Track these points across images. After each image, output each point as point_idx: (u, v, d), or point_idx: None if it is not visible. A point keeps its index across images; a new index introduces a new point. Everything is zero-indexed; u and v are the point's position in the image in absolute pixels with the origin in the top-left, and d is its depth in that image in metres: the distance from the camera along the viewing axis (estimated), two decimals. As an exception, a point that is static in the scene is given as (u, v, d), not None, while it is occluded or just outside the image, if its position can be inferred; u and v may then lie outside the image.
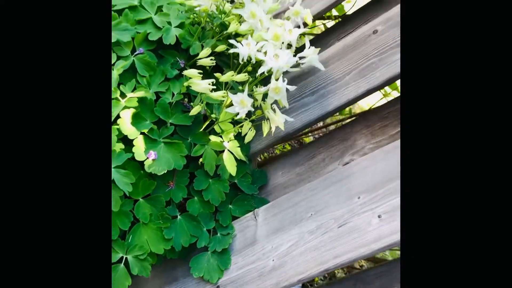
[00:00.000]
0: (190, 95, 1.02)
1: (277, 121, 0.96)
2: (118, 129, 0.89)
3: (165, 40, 0.99)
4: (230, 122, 1.05)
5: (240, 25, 0.96)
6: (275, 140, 1.05)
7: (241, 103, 0.89)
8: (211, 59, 0.99)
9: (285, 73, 0.95)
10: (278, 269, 0.90)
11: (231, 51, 0.92)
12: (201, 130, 1.01)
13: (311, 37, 1.24)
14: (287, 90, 0.91)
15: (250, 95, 0.94)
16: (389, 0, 1.12)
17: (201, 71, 0.96)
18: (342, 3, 1.22)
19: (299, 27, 1.08)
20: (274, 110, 0.97)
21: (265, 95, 0.95)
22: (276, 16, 1.19)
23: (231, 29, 0.96)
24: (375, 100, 1.60)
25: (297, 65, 0.96)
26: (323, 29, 1.47)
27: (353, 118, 1.18)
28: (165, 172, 0.91)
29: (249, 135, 0.99)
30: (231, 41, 0.93)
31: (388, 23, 0.94)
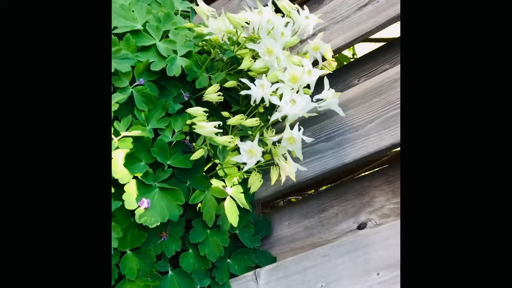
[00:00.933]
0: (193, 133, 0.91)
1: (287, 171, 0.85)
2: (108, 172, 0.78)
3: (169, 72, 0.88)
4: (235, 165, 0.94)
5: (254, 61, 0.85)
6: (284, 189, 0.94)
7: (249, 153, 0.79)
8: (219, 95, 0.88)
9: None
10: None
11: (243, 92, 0.81)
12: (202, 173, 0.90)
13: (326, 72, 1.13)
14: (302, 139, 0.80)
15: (260, 140, 0.83)
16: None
17: (207, 109, 0.86)
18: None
19: (317, 62, 0.98)
20: (285, 158, 0.86)
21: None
22: (292, 47, 1.08)
23: (244, 66, 0.85)
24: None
25: (314, 110, 0.85)
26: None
27: (373, 170, 1.07)
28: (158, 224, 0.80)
29: (256, 185, 0.88)
30: (244, 80, 0.82)
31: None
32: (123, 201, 0.78)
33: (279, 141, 0.83)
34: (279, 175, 0.87)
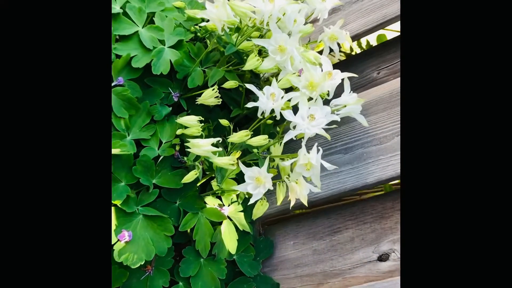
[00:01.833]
0: (184, 143, 0.75)
1: (298, 193, 0.70)
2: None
3: (155, 69, 0.71)
4: (234, 179, 0.79)
5: (262, 60, 0.68)
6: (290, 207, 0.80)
7: (256, 181, 0.64)
8: (216, 97, 0.72)
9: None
10: None
11: (249, 105, 0.64)
12: (195, 191, 0.75)
13: (337, 60, 0.95)
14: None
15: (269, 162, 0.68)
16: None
17: (201, 118, 0.70)
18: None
19: (331, 50, 0.82)
20: (296, 177, 0.71)
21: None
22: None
23: (250, 66, 0.68)
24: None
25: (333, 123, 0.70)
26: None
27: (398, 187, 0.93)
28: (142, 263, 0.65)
29: (260, 211, 0.74)
30: (250, 87, 0.66)
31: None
32: (98, 236, 0.63)
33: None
34: (287, 194, 0.72)
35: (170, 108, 0.75)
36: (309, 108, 0.64)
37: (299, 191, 0.70)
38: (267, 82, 0.75)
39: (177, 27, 0.77)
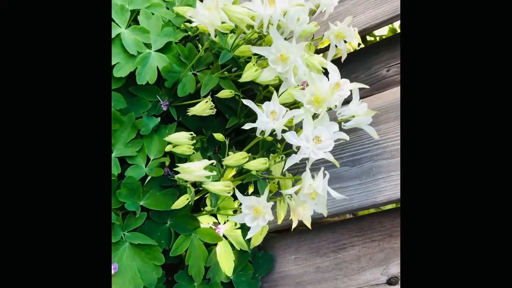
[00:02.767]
0: (174, 157, 0.68)
1: (301, 215, 0.64)
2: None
3: (140, 79, 0.63)
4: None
5: (260, 69, 0.60)
6: (290, 225, 0.73)
7: (254, 212, 0.57)
8: (211, 108, 0.65)
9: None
10: None
11: (247, 126, 0.57)
12: (187, 209, 0.68)
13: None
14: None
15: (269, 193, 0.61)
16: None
17: (192, 133, 0.62)
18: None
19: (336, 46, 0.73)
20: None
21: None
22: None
23: (247, 77, 0.60)
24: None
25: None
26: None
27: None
28: (129, 297, 0.59)
29: (259, 239, 0.67)
30: (248, 103, 0.58)
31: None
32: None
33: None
34: (288, 212, 0.66)
35: (159, 119, 0.67)
36: (315, 128, 0.56)
37: (302, 213, 0.63)
38: (267, 89, 0.67)
39: (165, 25, 0.69)
